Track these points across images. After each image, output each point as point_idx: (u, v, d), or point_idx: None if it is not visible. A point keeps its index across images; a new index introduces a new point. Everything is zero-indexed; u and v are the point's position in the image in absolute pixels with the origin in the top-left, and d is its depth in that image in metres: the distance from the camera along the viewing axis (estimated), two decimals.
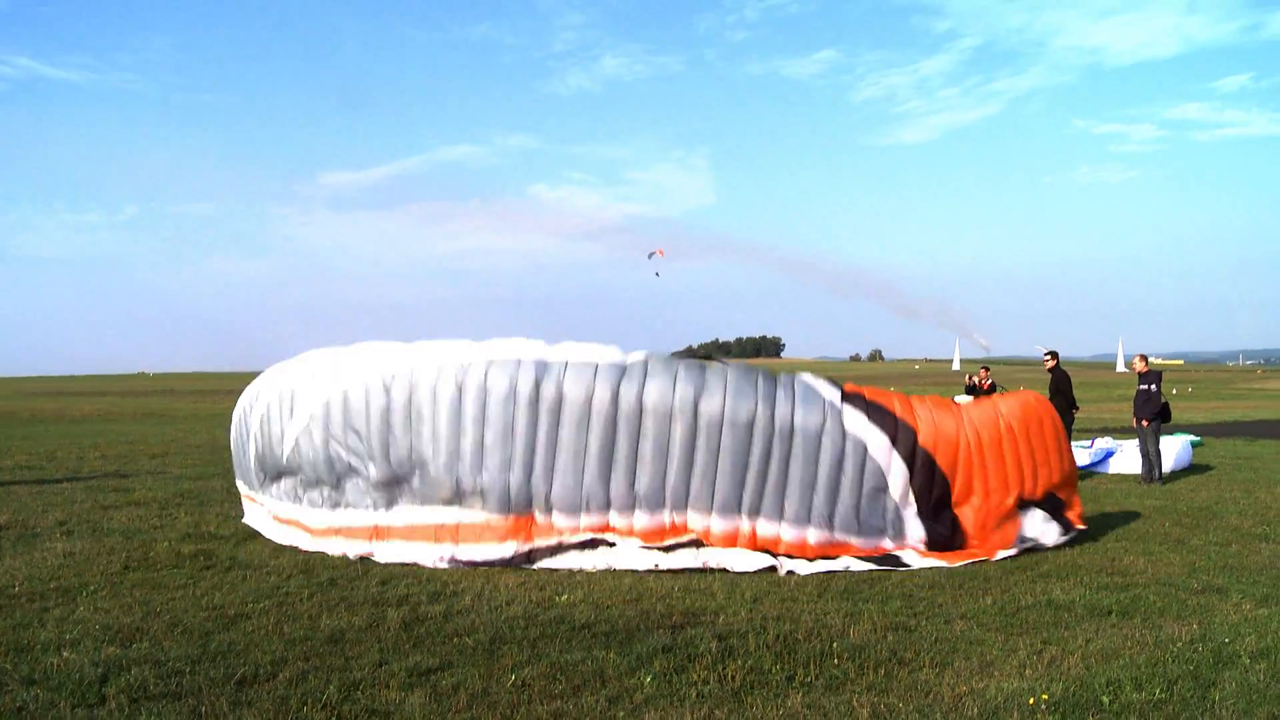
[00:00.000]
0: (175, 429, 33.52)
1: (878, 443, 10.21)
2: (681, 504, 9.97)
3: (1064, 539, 11.08)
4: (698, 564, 9.96)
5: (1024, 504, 10.71)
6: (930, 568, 10.08)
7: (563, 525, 9.99)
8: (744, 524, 10.00)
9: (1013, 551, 10.58)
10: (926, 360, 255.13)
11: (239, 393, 13.18)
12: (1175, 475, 18.36)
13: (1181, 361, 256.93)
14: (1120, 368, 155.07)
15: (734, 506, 9.99)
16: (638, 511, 9.94)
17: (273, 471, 11.50)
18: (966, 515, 10.50)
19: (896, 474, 10.27)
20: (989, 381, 22.76)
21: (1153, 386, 17.83)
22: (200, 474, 18.35)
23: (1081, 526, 11.37)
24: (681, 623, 7.96)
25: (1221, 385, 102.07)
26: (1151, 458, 17.59)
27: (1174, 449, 19.05)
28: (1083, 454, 19.16)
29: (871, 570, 9.97)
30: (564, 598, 8.75)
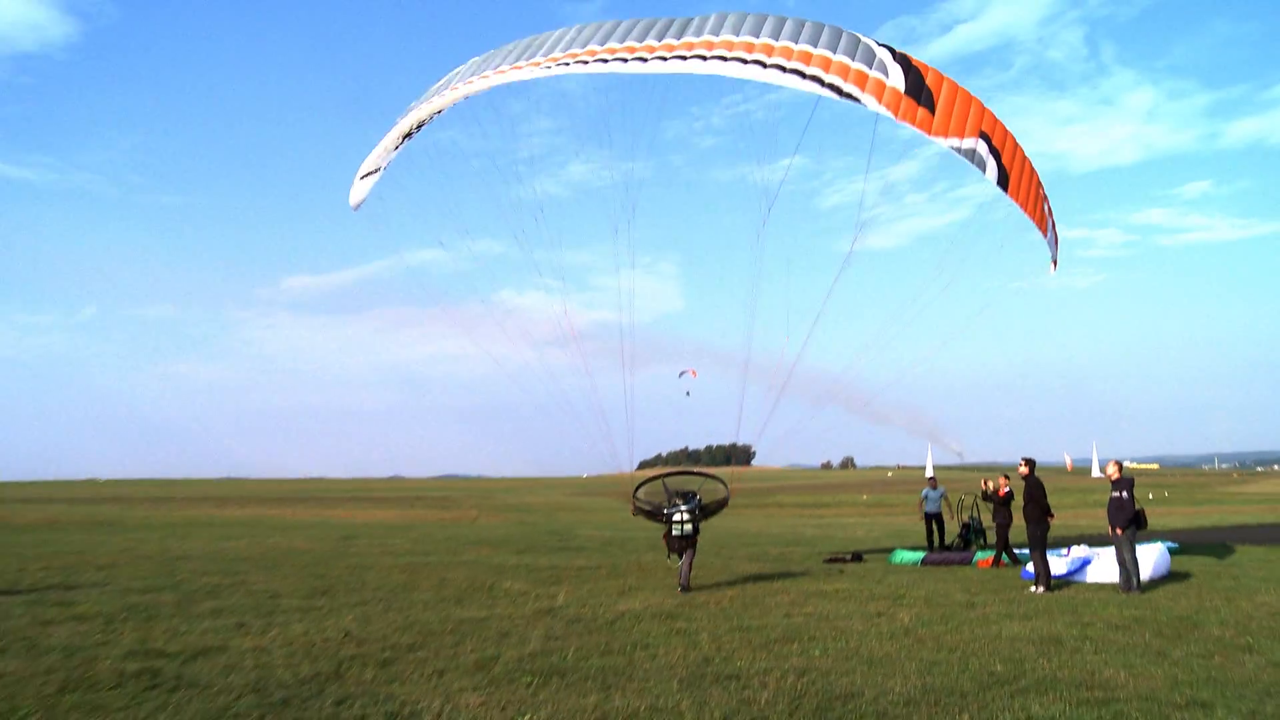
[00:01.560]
0: (125, 538, 32.89)
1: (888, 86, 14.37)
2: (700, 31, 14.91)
3: (995, 179, 14.94)
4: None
5: (983, 135, 14.93)
6: (883, 117, 14.11)
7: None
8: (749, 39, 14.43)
9: (953, 145, 14.54)
10: (899, 468, 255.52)
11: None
12: (1154, 584, 18.36)
13: (1157, 465, 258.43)
14: (1095, 473, 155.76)
15: (749, 31, 14.55)
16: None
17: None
18: (943, 114, 14.56)
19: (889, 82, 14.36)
20: (1006, 489, 22.66)
21: (1124, 493, 17.82)
22: (149, 586, 17.94)
23: (1010, 194, 15.30)
24: None
25: (1198, 489, 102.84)
26: (1129, 566, 17.55)
27: (1151, 557, 19.04)
28: (1059, 563, 19.13)
29: (833, 98, 13.82)
30: (526, 718, 8.54)
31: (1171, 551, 21.99)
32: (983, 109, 15.33)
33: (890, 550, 26.42)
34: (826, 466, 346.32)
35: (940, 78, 15.03)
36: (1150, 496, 77.36)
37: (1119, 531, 17.64)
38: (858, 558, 24.82)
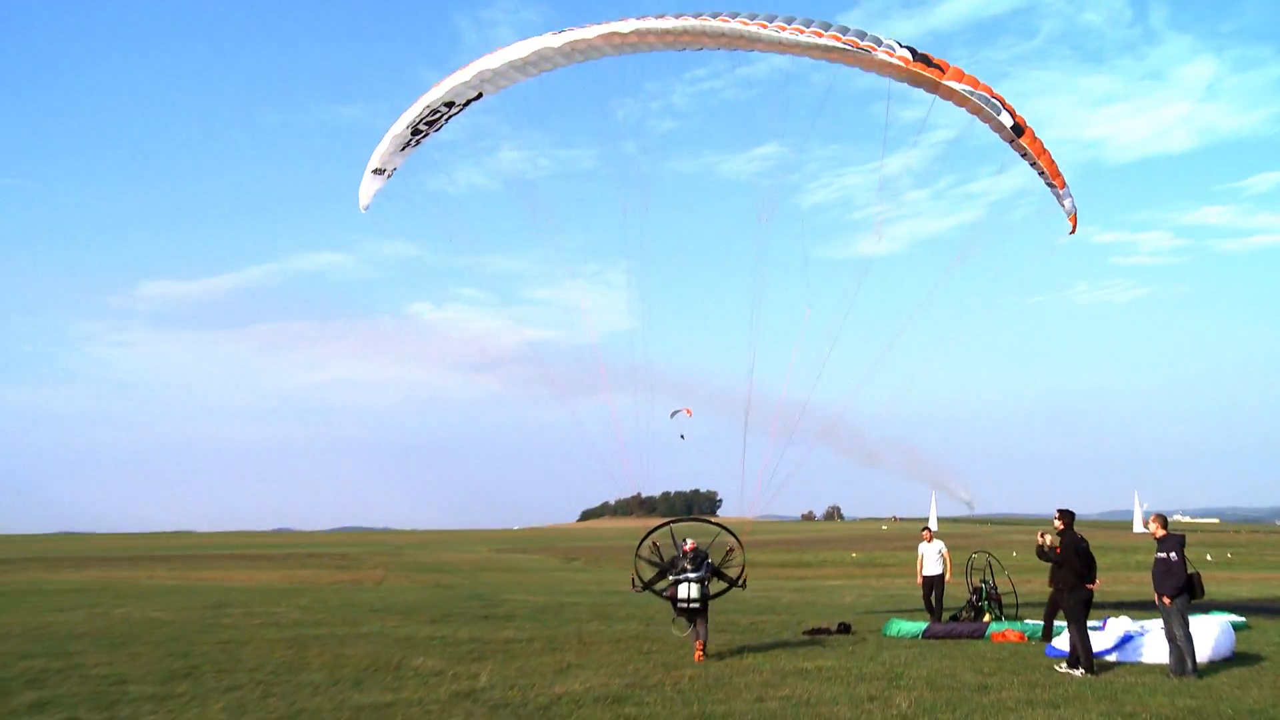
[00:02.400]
0: None
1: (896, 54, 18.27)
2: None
3: (1009, 128, 18.70)
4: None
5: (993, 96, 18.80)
6: (890, 64, 18.05)
7: None
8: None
9: (967, 89, 18.18)
10: (896, 519, 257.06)
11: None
12: (1214, 667, 18.26)
13: (1216, 521, 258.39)
14: (1138, 528, 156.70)
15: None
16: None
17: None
18: (952, 71, 18.35)
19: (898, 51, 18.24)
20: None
21: (1172, 554, 17.58)
22: None
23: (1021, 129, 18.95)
24: None
25: (1268, 550, 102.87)
26: (1180, 643, 17.37)
27: (1210, 633, 18.88)
28: (1097, 638, 19.03)
29: (845, 51, 17.81)
30: None
31: (1236, 627, 21.86)
32: (985, 84, 18.97)
33: (885, 620, 26.39)
34: (808, 518, 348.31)
35: (943, 60, 18.72)
36: (1209, 558, 77.50)
37: (1167, 601, 17.49)
38: (845, 629, 24.74)
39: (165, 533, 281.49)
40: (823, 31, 18.32)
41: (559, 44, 19.03)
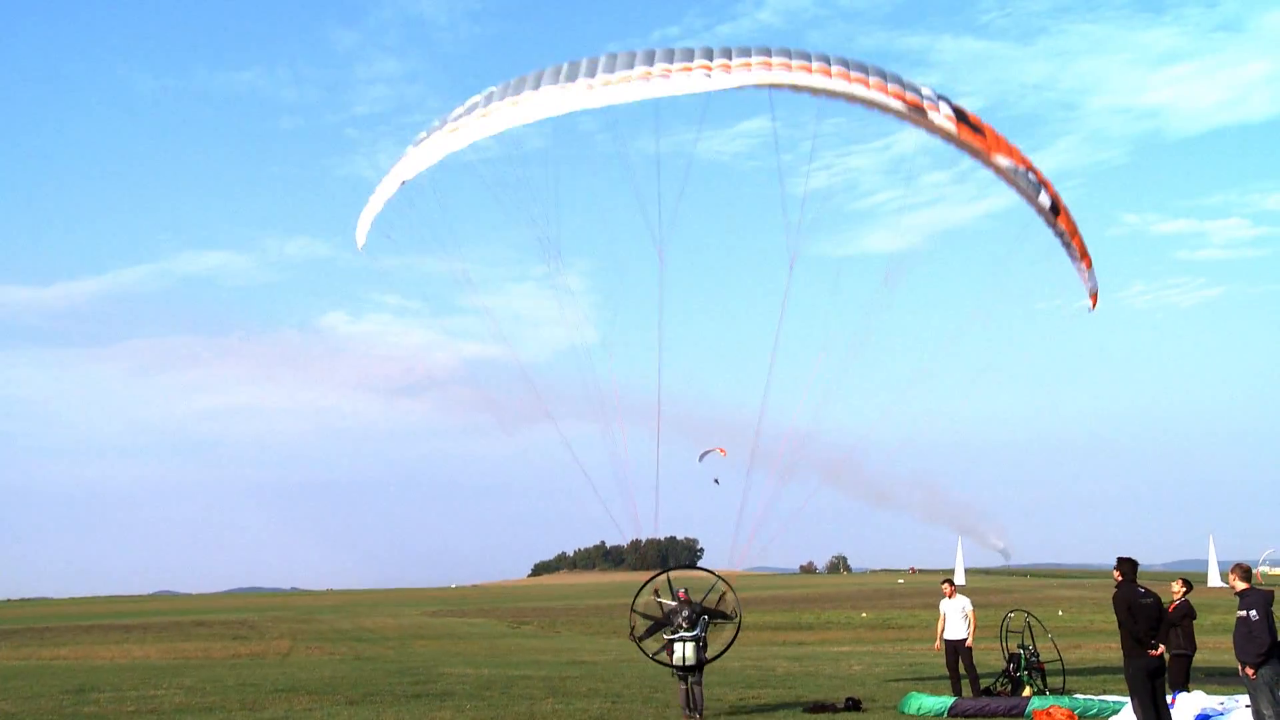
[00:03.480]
0: None
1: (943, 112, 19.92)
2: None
3: (1047, 209, 20.89)
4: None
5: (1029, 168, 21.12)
6: (942, 129, 19.48)
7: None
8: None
9: (1010, 163, 20.28)
10: (914, 572, 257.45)
11: None
12: None
13: None
14: (1214, 581, 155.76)
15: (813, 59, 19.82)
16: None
17: None
18: (991, 138, 20.33)
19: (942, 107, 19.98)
20: (1180, 599, 22.54)
21: (1253, 612, 17.39)
22: None
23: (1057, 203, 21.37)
24: None
25: None
26: None
27: None
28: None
29: (894, 109, 18.90)
30: None
31: None
32: (1017, 149, 21.43)
33: (903, 694, 26.40)
34: (808, 570, 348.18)
35: (977, 118, 20.87)
36: None
37: (1249, 672, 17.27)
38: (854, 705, 24.77)
39: (10, 601, 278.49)
40: (867, 79, 19.77)
41: (598, 103, 19.81)
